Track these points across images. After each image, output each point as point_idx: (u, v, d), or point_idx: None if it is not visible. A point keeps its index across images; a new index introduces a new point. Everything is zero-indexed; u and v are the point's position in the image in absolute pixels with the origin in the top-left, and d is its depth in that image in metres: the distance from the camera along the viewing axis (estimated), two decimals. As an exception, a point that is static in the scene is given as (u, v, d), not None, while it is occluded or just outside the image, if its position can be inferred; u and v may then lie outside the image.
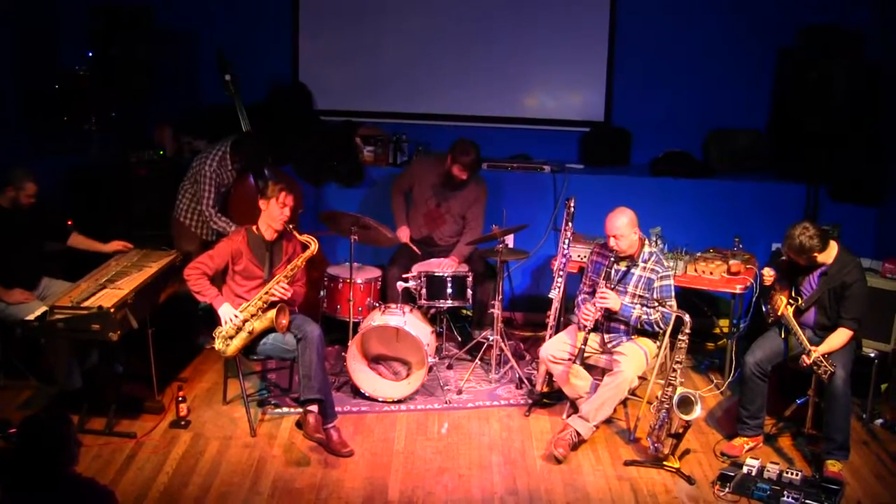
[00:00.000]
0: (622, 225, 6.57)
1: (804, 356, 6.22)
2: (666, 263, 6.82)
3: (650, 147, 9.35)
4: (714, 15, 9.25)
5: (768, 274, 6.71)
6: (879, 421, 7.16)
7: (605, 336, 6.87)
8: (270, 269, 6.78)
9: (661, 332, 6.68)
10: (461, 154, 7.83)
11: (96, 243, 7.32)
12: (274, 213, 6.67)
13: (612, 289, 6.69)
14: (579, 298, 7.03)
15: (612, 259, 6.69)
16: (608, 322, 6.83)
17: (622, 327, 6.82)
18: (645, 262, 6.73)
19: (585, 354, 6.70)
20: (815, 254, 6.33)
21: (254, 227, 6.80)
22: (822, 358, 6.15)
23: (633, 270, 6.73)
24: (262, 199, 6.72)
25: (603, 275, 6.72)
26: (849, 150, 8.46)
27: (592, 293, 6.83)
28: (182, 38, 9.35)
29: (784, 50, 9.01)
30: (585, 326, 6.70)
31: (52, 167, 8.35)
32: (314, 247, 6.78)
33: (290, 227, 6.78)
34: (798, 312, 6.54)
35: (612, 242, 6.64)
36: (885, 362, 7.27)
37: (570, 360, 6.78)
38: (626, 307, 6.66)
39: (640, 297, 6.70)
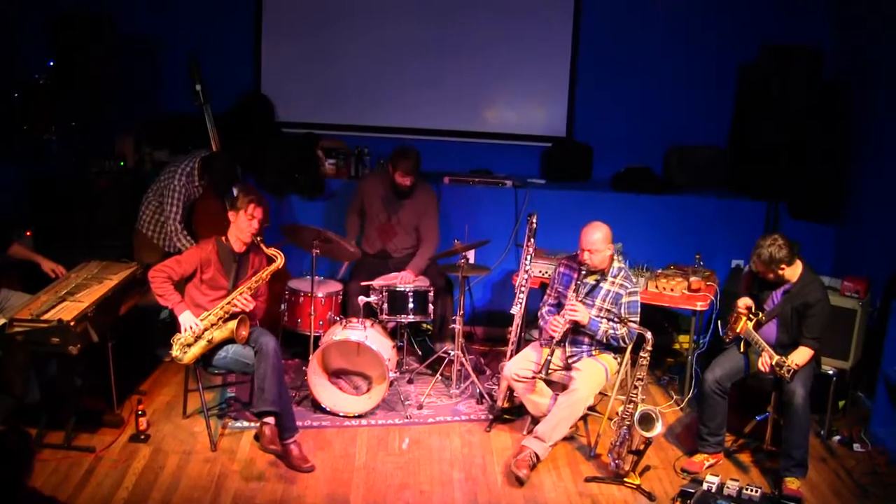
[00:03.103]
0: (597, 240, 6.59)
1: (764, 359, 6.29)
2: (633, 279, 6.86)
3: (611, 162, 9.39)
4: (675, 32, 9.34)
5: (744, 303, 6.71)
6: (837, 437, 7.24)
7: (567, 350, 6.88)
8: (235, 281, 6.76)
9: (625, 347, 6.70)
10: (401, 160, 7.92)
11: (37, 255, 7.27)
12: (242, 225, 6.66)
13: (580, 301, 6.71)
14: (544, 310, 7.05)
15: (584, 272, 6.70)
16: (572, 335, 6.83)
17: (585, 341, 6.82)
18: (614, 276, 6.76)
19: (549, 369, 6.72)
20: (784, 266, 6.36)
21: (223, 238, 6.78)
22: (783, 359, 6.20)
23: (601, 284, 6.75)
24: (231, 210, 6.71)
25: (573, 287, 6.73)
26: (808, 168, 8.53)
27: (557, 305, 6.88)
28: (143, 47, 9.25)
29: (744, 67, 9.09)
30: (553, 338, 6.70)
31: (11, 177, 8.26)
32: (280, 261, 6.77)
33: (258, 239, 6.76)
34: (758, 326, 6.57)
35: (585, 256, 6.64)
36: (842, 379, 7.38)
37: (533, 377, 6.80)
38: (594, 321, 6.67)
39: (606, 310, 6.72)
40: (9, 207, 7.98)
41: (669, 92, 9.40)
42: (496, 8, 9.41)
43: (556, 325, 6.70)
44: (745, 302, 6.68)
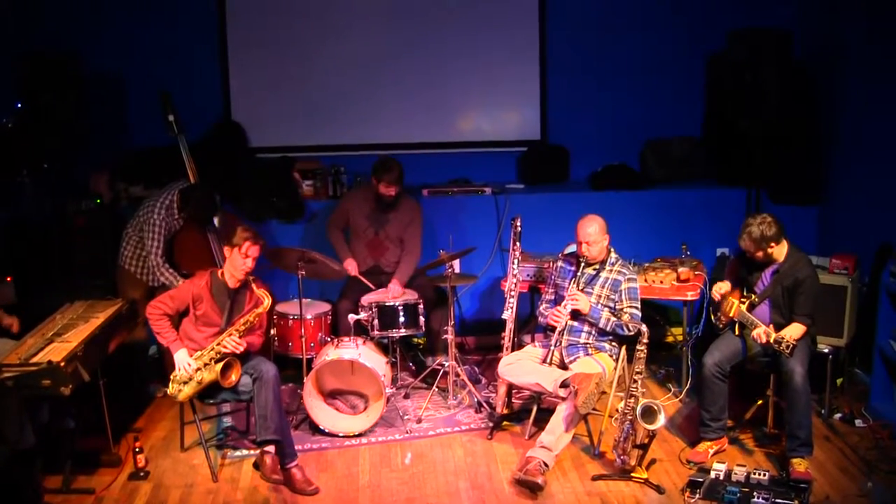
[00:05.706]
0: (593, 231, 6.75)
1: (758, 332, 6.28)
2: (631, 267, 7.03)
3: (588, 162, 9.42)
4: (641, 25, 9.37)
5: (718, 290, 6.73)
6: (838, 415, 7.25)
7: (564, 341, 6.90)
8: (229, 318, 6.67)
9: (630, 334, 6.74)
10: (383, 172, 7.94)
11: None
12: (237, 262, 6.56)
13: (580, 291, 6.79)
14: (542, 307, 7.15)
15: (583, 263, 6.82)
16: (569, 331, 6.87)
17: (581, 338, 6.86)
18: (612, 265, 6.91)
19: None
20: (773, 244, 6.37)
21: (219, 272, 6.71)
22: (781, 335, 6.19)
23: (600, 273, 6.88)
24: (227, 245, 6.64)
25: (571, 277, 6.86)
26: (785, 151, 8.55)
27: (555, 301, 6.98)
28: (110, 83, 9.19)
29: (714, 55, 9.12)
30: (555, 327, 6.81)
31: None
32: (267, 303, 6.65)
33: (251, 279, 6.69)
34: (751, 308, 6.57)
35: (583, 249, 6.79)
36: (839, 357, 7.38)
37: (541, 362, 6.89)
38: (595, 309, 6.78)
39: (606, 297, 6.83)
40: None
41: (641, 87, 9.43)
42: (462, 17, 9.42)
43: (558, 314, 6.80)
44: (719, 288, 6.70)
